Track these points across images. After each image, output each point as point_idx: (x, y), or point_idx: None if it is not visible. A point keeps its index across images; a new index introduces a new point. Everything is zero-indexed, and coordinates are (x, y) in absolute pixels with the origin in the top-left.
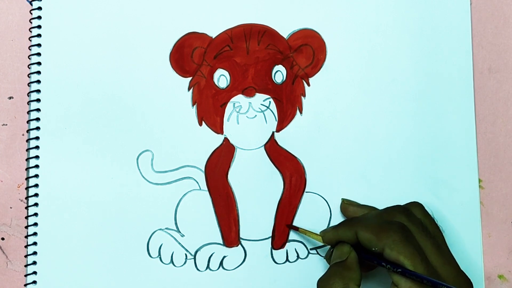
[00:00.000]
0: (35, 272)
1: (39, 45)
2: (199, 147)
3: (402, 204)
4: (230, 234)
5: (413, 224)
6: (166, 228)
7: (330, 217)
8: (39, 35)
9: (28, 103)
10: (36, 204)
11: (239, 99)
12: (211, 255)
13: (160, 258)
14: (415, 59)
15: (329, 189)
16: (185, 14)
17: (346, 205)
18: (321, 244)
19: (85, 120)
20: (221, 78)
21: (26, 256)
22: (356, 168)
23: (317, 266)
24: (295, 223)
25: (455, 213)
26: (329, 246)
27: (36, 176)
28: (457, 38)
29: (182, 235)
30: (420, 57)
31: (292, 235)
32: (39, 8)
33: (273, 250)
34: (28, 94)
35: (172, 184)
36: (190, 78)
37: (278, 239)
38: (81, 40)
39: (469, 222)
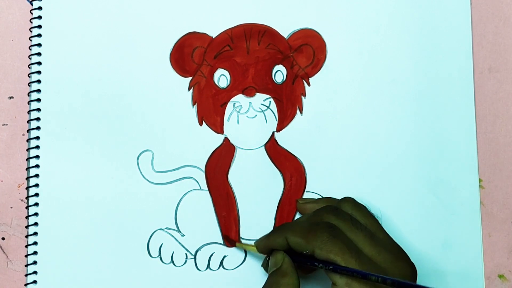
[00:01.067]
0: (35, 272)
1: (39, 45)
2: (199, 147)
3: (332, 204)
4: (231, 234)
5: (342, 221)
6: (166, 228)
7: None
8: (39, 35)
9: (29, 103)
10: (36, 204)
11: (239, 99)
12: (212, 255)
13: (161, 258)
14: (415, 59)
15: (329, 189)
16: (185, 14)
17: (302, 205)
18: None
19: (85, 120)
20: (221, 78)
21: (26, 256)
22: (356, 168)
23: None
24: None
25: (455, 213)
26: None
27: (37, 176)
28: (457, 38)
29: (183, 235)
30: (420, 57)
31: None
32: (40, 8)
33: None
34: (29, 94)
35: (172, 184)
36: (190, 78)
37: None
38: (82, 40)
39: (469, 222)
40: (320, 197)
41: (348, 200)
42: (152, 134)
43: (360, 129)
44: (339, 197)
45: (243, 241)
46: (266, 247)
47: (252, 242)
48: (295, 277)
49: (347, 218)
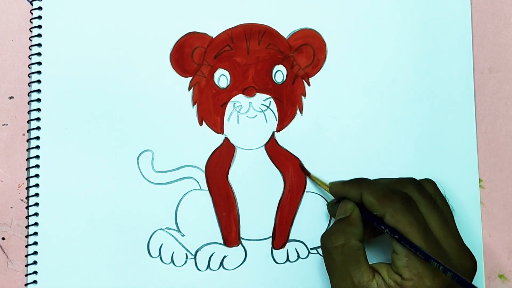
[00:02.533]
0: (35, 272)
1: (39, 45)
2: (199, 147)
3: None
4: (231, 234)
5: (422, 196)
6: (166, 228)
7: (330, 217)
8: (39, 35)
9: (29, 103)
10: (36, 204)
11: (240, 99)
12: (212, 255)
13: (161, 258)
14: (415, 59)
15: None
16: (185, 14)
17: (337, 187)
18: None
19: (85, 120)
20: (222, 78)
21: (26, 256)
22: (356, 168)
23: (317, 266)
24: (295, 223)
25: (455, 213)
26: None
27: (37, 176)
28: (458, 38)
29: (183, 235)
30: (420, 57)
31: (293, 234)
32: (40, 8)
33: (274, 250)
34: (29, 94)
35: (172, 184)
36: (190, 78)
37: (279, 239)
38: (82, 40)
39: (470, 222)
40: (322, 197)
41: (431, 182)
42: (152, 134)
43: (360, 129)
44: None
45: (243, 241)
46: (338, 193)
47: (253, 242)
48: (361, 228)
49: (428, 195)
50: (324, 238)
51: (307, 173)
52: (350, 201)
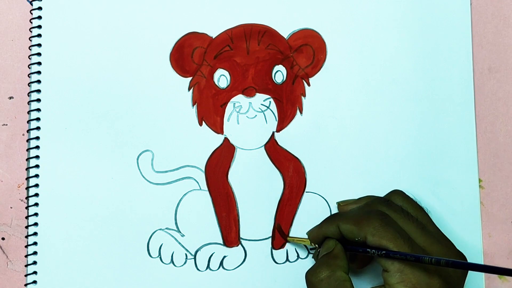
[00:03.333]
0: (35, 272)
1: (39, 45)
2: (199, 147)
3: (382, 196)
4: (230, 234)
5: (393, 211)
6: (166, 228)
7: None
8: (39, 35)
9: (29, 103)
10: (36, 204)
11: (239, 99)
12: (211, 255)
13: (160, 258)
14: (415, 59)
15: (329, 189)
16: (185, 14)
17: (344, 207)
18: (312, 247)
19: (85, 120)
20: (221, 78)
21: (26, 256)
22: (356, 168)
23: None
24: (295, 223)
25: (455, 213)
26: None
27: (37, 176)
28: (457, 38)
29: (182, 235)
30: (420, 57)
31: (293, 234)
32: (39, 8)
33: (273, 250)
34: (29, 94)
35: (172, 184)
36: (190, 78)
37: (278, 239)
38: (81, 40)
39: (469, 222)
40: (322, 197)
41: (398, 193)
42: (152, 134)
43: (360, 129)
44: (339, 198)
45: (243, 241)
46: (318, 236)
47: (253, 242)
48: (345, 260)
49: (398, 209)
50: (309, 273)
51: (284, 238)
52: (331, 239)
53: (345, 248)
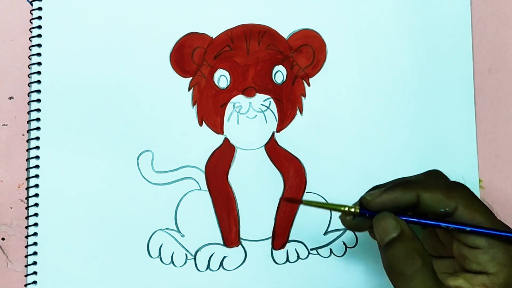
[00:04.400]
0: (35, 272)
1: (39, 45)
2: (199, 147)
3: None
4: (230, 234)
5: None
6: (166, 228)
7: (331, 218)
8: (39, 35)
9: (29, 103)
10: (36, 204)
11: (239, 99)
12: (211, 255)
13: (161, 258)
14: (415, 59)
15: (329, 189)
16: (185, 14)
17: (373, 197)
18: (332, 238)
19: (85, 120)
20: (221, 78)
21: (26, 256)
22: (356, 168)
23: (317, 266)
24: (295, 224)
25: None
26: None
27: (37, 176)
28: (457, 38)
29: (182, 235)
30: (420, 57)
31: (293, 235)
32: (40, 8)
33: (274, 251)
34: (29, 94)
35: (172, 184)
36: (190, 78)
37: (279, 239)
38: (82, 40)
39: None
40: (322, 197)
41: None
42: (152, 134)
43: (360, 130)
44: (340, 198)
45: (243, 241)
46: (386, 204)
47: (253, 243)
48: (421, 242)
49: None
50: (395, 267)
51: (299, 202)
52: (388, 214)
53: (416, 222)
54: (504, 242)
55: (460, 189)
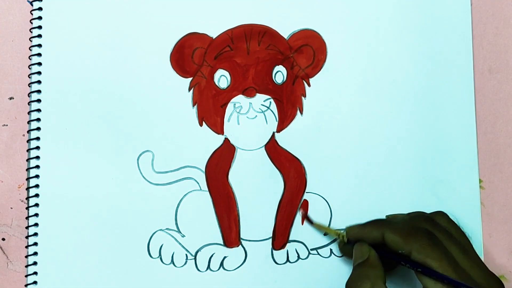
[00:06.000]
0: (35, 273)
1: (39, 45)
2: (199, 147)
3: (426, 213)
4: (231, 235)
5: (438, 231)
6: (166, 229)
7: (331, 218)
8: (39, 36)
9: (29, 103)
10: (36, 205)
11: (240, 99)
12: (212, 255)
13: (161, 259)
14: (415, 59)
15: (330, 190)
16: (186, 14)
17: (355, 230)
18: (332, 238)
19: (85, 120)
20: (222, 78)
21: (26, 257)
22: (356, 168)
23: (317, 266)
24: (295, 224)
25: (456, 214)
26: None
27: (37, 176)
28: (458, 39)
29: (183, 236)
30: (420, 58)
31: (293, 235)
32: (40, 9)
33: (274, 251)
34: (29, 94)
35: (172, 185)
36: (190, 78)
37: (279, 240)
38: (82, 40)
39: (470, 222)
40: (322, 197)
41: (442, 214)
42: (153, 134)
43: (360, 130)
44: (340, 198)
45: (243, 241)
46: (357, 236)
47: (253, 243)
48: (382, 270)
49: (443, 230)
50: (350, 285)
51: (310, 222)
52: (364, 243)
53: (382, 255)
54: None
55: (419, 234)
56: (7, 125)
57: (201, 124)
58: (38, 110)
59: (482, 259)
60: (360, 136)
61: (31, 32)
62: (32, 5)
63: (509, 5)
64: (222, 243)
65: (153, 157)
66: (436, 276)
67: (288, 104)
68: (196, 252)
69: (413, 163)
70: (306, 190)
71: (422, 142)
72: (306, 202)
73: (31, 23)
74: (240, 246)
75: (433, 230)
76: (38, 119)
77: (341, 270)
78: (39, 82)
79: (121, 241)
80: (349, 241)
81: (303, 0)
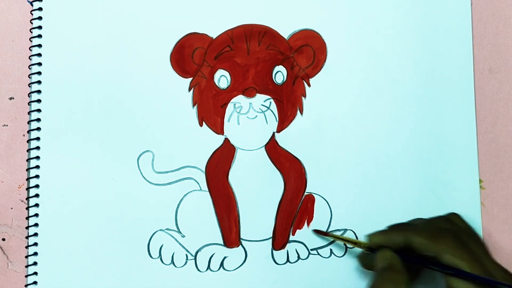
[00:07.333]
0: (35, 273)
1: (39, 45)
2: (199, 147)
3: (442, 215)
4: (231, 235)
5: (462, 232)
6: (166, 229)
7: (331, 218)
8: (39, 36)
9: (29, 103)
10: (36, 205)
11: (240, 99)
12: (212, 255)
13: (161, 259)
14: (415, 59)
15: (330, 190)
16: (186, 14)
17: (378, 237)
18: (332, 239)
19: (85, 120)
20: (222, 78)
21: (26, 257)
22: (356, 168)
23: (318, 266)
24: (295, 224)
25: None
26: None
27: (37, 176)
28: (458, 39)
29: (183, 236)
30: (420, 58)
31: (293, 236)
32: (40, 9)
33: (274, 251)
34: (29, 94)
35: (172, 185)
36: (190, 78)
37: (279, 240)
38: (82, 40)
39: (470, 222)
40: (322, 197)
41: (456, 215)
42: (153, 135)
43: (361, 130)
44: (340, 198)
45: (243, 242)
46: (381, 243)
47: (253, 243)
48: (406, 274)
49: (463, 230)
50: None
51: (324, 234)
52: (387, 249)
53: (406, 261)
54: (484, 286)
55: (447, 235)
56: (7, 125)
57: (201, 124)
58: (38, 110)
59: None
60: (360, 136)
61: (31, 32)
62: (32, 5)
63: (509, 5)
64: (222, 243)
65: (153, 157)
66: (467, 277)
67: (288, 104)
68: (196, 252)
69: (413, 163)
70: (306, 190)
71: (422, 142)
72: (311, 197)
73: (31, 23)
74: (240, 246)
75: (457, 231)
76: (38, 119)
77: (341, 270)
78: (39, 82)
79: (121, 241)
80: (371, 249)
81: (303, 0)
